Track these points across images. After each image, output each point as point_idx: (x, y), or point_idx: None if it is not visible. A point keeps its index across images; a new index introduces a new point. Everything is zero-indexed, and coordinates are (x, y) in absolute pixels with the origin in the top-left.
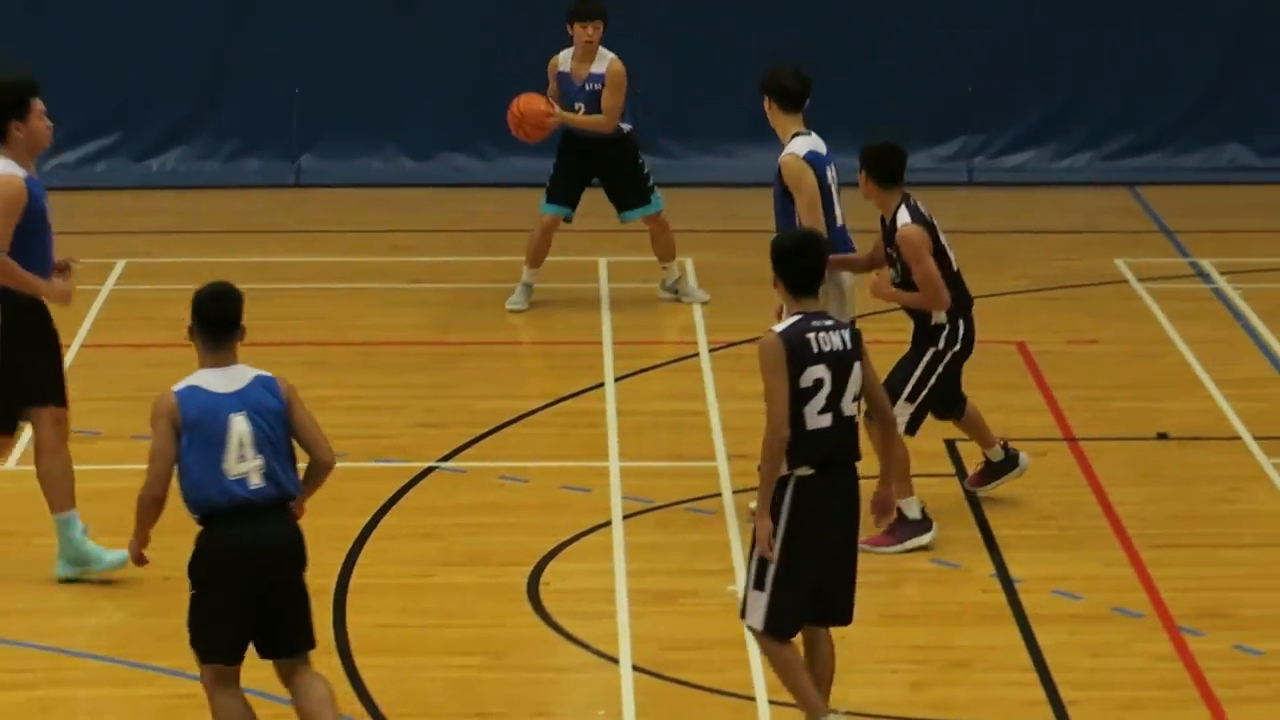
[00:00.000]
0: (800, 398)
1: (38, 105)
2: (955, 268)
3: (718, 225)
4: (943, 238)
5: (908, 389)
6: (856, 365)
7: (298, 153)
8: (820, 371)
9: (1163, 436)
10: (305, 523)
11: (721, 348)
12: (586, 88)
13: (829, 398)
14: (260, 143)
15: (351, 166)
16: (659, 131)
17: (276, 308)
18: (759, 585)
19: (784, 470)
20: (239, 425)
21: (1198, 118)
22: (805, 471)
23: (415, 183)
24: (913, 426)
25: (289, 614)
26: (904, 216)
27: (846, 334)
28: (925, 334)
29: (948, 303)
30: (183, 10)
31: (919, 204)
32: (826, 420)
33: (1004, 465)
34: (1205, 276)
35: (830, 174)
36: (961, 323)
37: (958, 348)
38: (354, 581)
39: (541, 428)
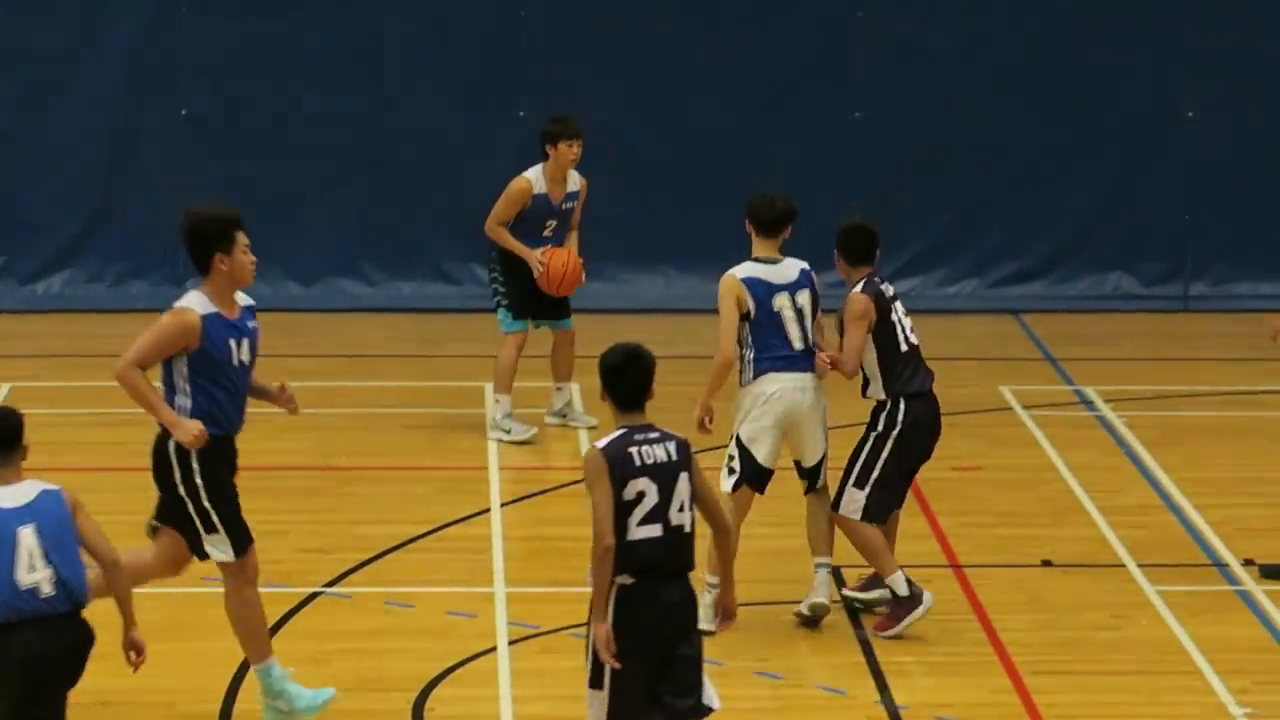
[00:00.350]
0: (623, 509)
1: (241, 239)
2: (905, 348)
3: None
4: (896, 315)
5: (854, 474)
6: (683, 476)
7: (184, 276)
8: (643, 484)
9: (1047, 564)
10: (191, 648)
11: None
12: (563, 206)
13: (653, 509)
14: (146, 267)
15: None
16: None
17: None
18: (596, 684)
19: (610, 578)
20: (27, 537)
21: (1082, 246)
22: (626, 580)
23: (302, 308)
24: (870, 513)
25: None
26: (857, 288)
27: (673, 446)
28: (871, 416)
29: (851, 373)
30: (69, 131)
31: (881, 282)
32: (651, 530)
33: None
34: (1089, 404)
35: (781, 300)
36: (903, 404)
37: (897, 430)
38: (238, 707)
39: (428, 553)
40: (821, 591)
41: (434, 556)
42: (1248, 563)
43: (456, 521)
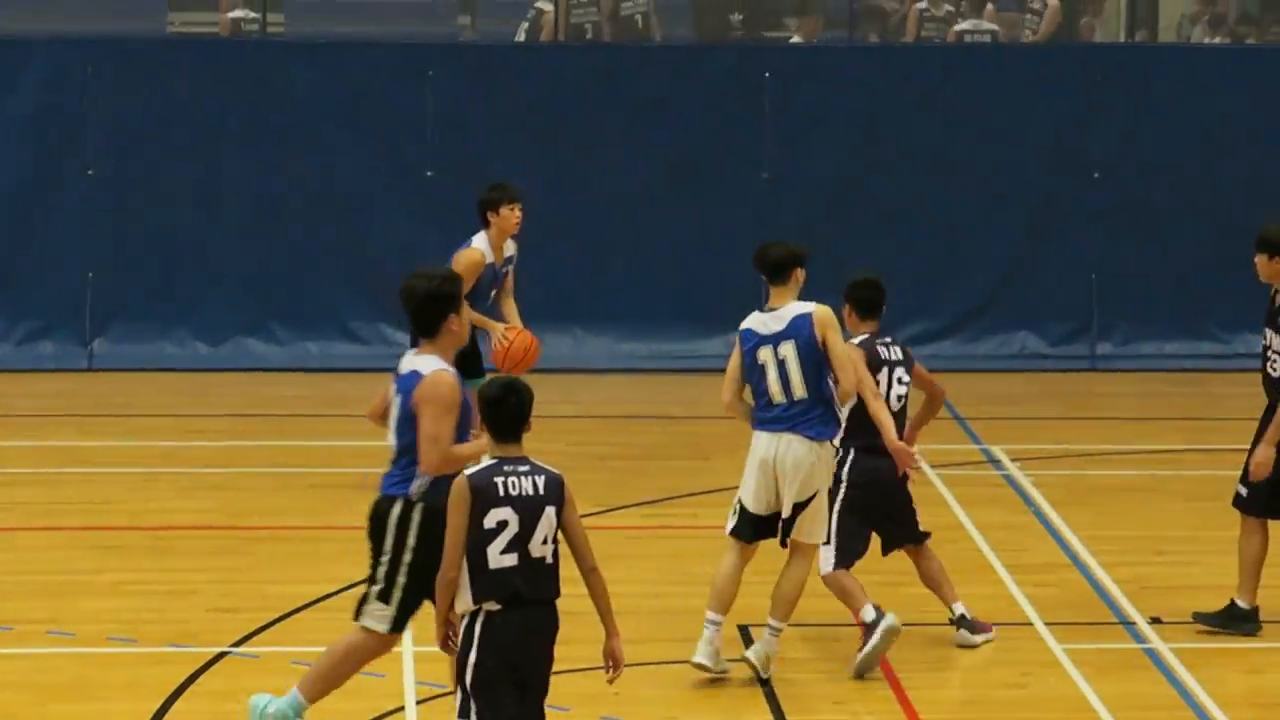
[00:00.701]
0: (485, 537)
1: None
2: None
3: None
4: (886, 378)
5: (826, 529)
6: (549, 510)
7: (91, 337)
8: (505, 514)
9: (954, 622)
10: (93, 708)
11: None
12: (504, 270)
13: (514, 538)
14: (54, 326)
15: (145, 351)
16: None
17: (69, 492)
18: (464, 714)
19: (473, 605)
20: None
21: (989, 307)
22: (492, 606)
23: (210, 368)
24: (840, 562)
25: None
26: (855, 339)
27: (542, 480)
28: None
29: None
30: None
31: (883, 342)
32: (511, 559)
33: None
34: (996, 463)
35: (764, 352)
36: (852, 453)
37: (846, 479)
38: None
39: (335, 612)
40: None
41: (343, 616)
42: (1154, 620)
43: (363, 581)
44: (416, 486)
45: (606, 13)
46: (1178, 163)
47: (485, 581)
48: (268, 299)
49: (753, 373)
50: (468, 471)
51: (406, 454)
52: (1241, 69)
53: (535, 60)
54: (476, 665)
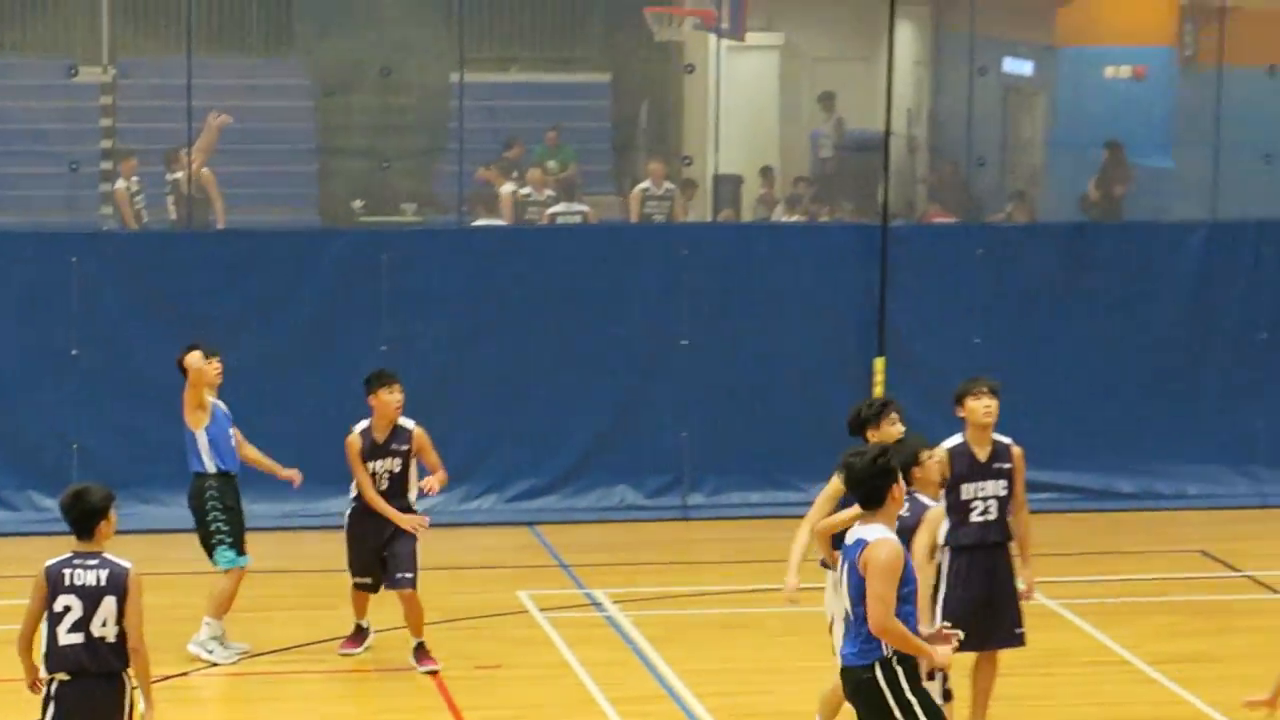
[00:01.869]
0: (55, 618)
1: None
2: None
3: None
4: None
5: None
6: (109, 599)
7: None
8: (70, 600)
9: None
10: None
11: None
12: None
13: (77, 621)
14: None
15: None
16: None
17: None
18: None
19: (46, 675)
20: None
21: (591, 462)
22: (63, 677)
23: None
24: None
25: None
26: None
27: (106, 574)
28: None
29: None
30: None
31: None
32: (77, 638)
33: None
34: (599, 605)
35: None
36: None
37: None
38: None
39: None
40: None
41: None
42: None
43: None
44: None
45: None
46: (759, 331)
47: (56, 656)
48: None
49: None
50: (48, 562)
51: None
52: (814, 244)
53: (168, 248)
54: None
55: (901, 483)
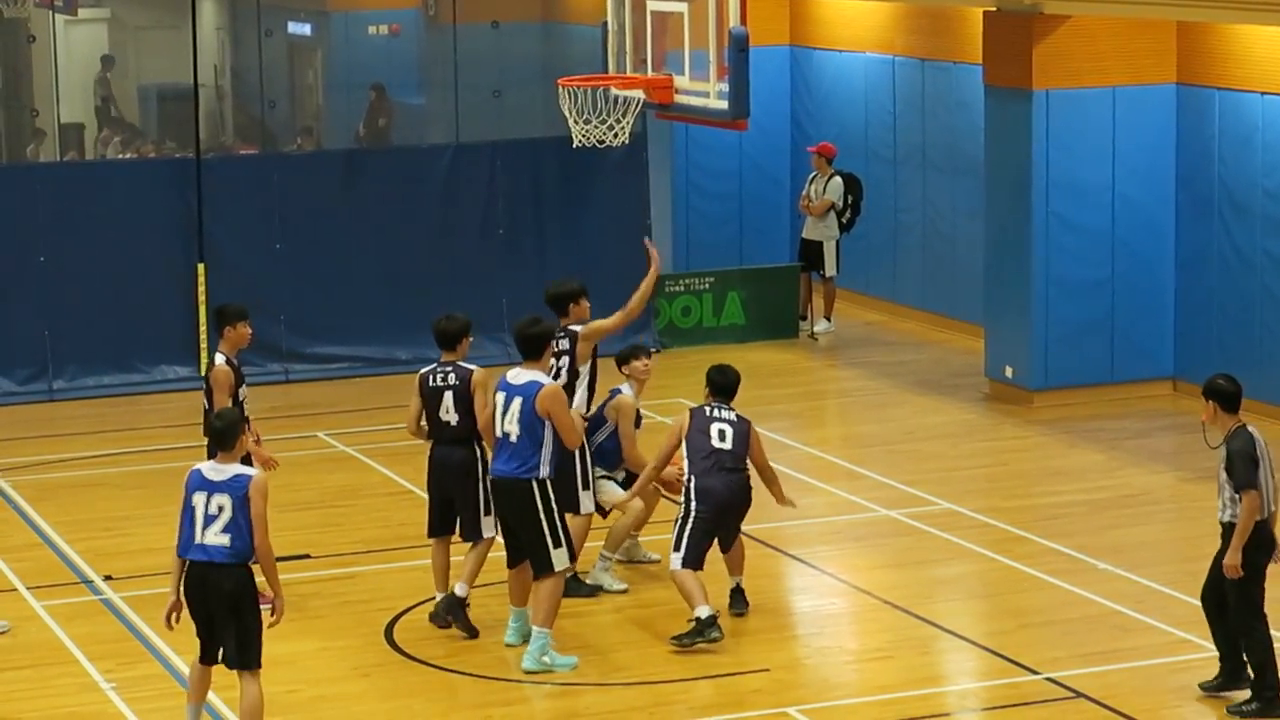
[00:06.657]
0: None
1: None
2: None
3: None
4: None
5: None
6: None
7: None
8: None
9: None
10: None
11: None
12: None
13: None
14: None
15: None
16: None
17: None
18: None
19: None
20: None
21: None
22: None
23: None
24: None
25: None
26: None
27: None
28: None
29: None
30: None
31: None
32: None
33: None
34: None
35: None
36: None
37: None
38: None
39: None
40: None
41: None
42: (108, 578)
43: None
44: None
45: None
46: (105, 245)
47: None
48: None
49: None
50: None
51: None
52: (144, 175)
53: None
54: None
55: (553, 342)
